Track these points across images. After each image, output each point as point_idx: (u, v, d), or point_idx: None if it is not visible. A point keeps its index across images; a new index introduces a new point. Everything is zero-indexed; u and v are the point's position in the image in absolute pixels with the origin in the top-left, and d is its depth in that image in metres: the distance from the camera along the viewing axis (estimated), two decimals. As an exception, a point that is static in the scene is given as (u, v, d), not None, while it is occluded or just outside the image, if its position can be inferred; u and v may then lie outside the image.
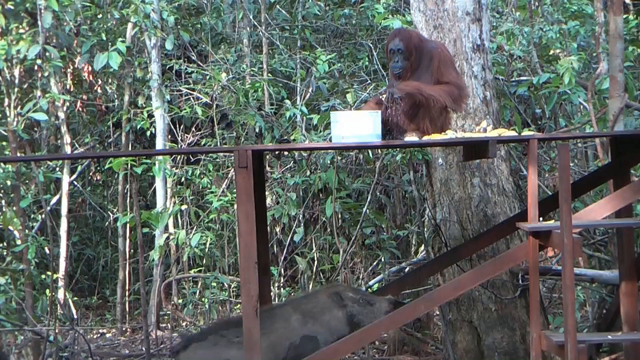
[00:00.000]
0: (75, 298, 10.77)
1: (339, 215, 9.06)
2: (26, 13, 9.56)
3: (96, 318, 11.00)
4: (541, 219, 6.04)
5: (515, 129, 7.98)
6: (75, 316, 9.92)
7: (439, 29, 7.33)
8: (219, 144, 9.60)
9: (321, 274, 9.62)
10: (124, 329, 10.34)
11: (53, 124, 10.63)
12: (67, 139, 9.95)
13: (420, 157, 7.61)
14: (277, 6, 10.79)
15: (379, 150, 8.46)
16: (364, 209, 8.73)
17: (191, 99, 9.69)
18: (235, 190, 6.39)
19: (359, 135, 5.78)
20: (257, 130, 9.29)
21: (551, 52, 9.65)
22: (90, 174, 12.00)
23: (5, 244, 10.23)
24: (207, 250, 9.23)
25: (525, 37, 9.20)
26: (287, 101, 9.24)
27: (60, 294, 9.67)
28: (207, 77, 9.57)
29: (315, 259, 9.52)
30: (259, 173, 6.46)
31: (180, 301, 10.16)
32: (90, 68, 9.80)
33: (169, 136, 10.08)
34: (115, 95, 10.80)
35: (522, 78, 9.07)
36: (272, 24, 10.41)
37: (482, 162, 7.23)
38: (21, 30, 9.48)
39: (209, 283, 9.31)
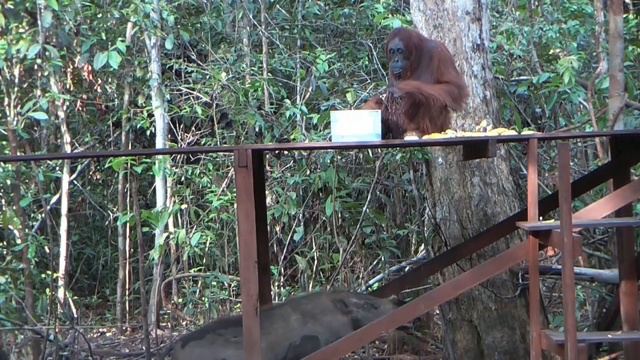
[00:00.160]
0: (75, 297, 10.77)
1: (339, 215, 9.07)
2: (26, 12, 9.56)
3: (96, 317, 11.01)
4: (541, 218, 6.04)
5: (515, 128, 7.99)
6: (75, 315, 9.93)
7: (439, 28, 7.33)
8: (218, 143, 9.60)
9: (321, 273, 9.63)
10: (124, 328, 10.35)
11: (53, 123, 10.63)
12: (67, 138, 9.96)
13: (420, 156, 7.62)
14: (277, 6, 10.79)
15: (379, 149, 8.47)
16: (364, 208, 8.73)
17: (191, 98, 9.70)
18: (235, 190, 6.40)
19: (358, 135, 5.78)
20: (257, 129, 9.30)
21: (551, 51, 9.65)
22: (90, 173, 12.01)
23: (5, 243, 10.23)
24: (207, 249, 9.23)
25: (525, 37, 9.21)
26: (287, 100, 9.24)
27: (60, 293, 9.68)
28: (207, 77, 9.57)
29: (315, 258, 9.52)
30: (258, 172, 6.46)
31: (180, 300, 10.17)
32: (90, 67, 9.80)
33: (169, 135, 10.08)
34: (115, 95, 10.81)
35: (522, 77, 9.07)
36: (272, 24, 10.41)
37: (482, 162, 7.23)
38: (21, 30, 9.49)
39: (209, 282, 9.31)
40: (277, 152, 8.96)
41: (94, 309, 11.42)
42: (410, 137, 6.03)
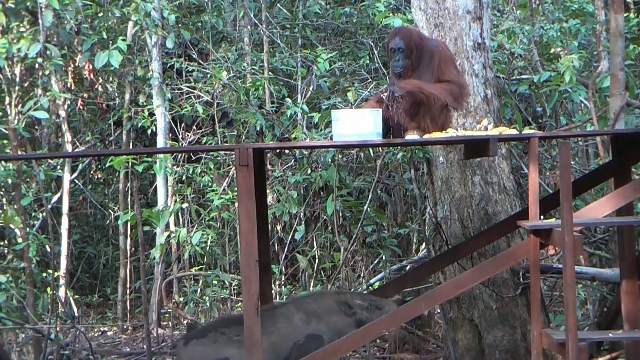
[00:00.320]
0: (76, 296, 10.78)
1: (340, 214, 9.07)
2: (27, 11, 9.55)
3: (97, 316, 11.02)
4: (542, 217, 6.04)
5: (516, 127, 7.99)
6: (76, 314, 9.94)
7: (440, 27, 7.33)
8: (219, 142, 9.60)
9: (322, 272, 9.63)
10: (125, 327, 10.35)
11: (54, 122, 10.64)
12: (68, 137, 9.96)
13: (421, 155, 7.62)
14: (278, 4, 10.80)
15: (380, 148, 8.47)
16: (365, 207, 8.73)
17: (192, 97, 9.70)
18: (236, 189, 6.40)
19: (359, 134, 5.78)
20: (257, 128, 9.30)
21: (552, 50, 9.65)
22: (91, 172, 12.01)
23: (6, 242, 10.24)
24: (208, 248, 9.23)
25: (526, 36, 9.20)
26: (288, 99, 9.24)
27: (61, 292, 9.68)
28: (208, 76, 9.58)
29: (316, 257, 9.53)
30: (259, 171, 6.46)
31: (181, 299, 10.18)
32: (91, 66, 9.81)
33: (170, 134, 10.09)
34: (116, 94, 10.81)
35: (523, 76, 9.07)
36: (273, 23, 10.41)
37: (483, 161, 7.23)
38: (22, 29, 9.48)
39: (209, 281, 9.32)
40: (278, 151, 8.97)
41: (95, 307, 11.43)
42: (411, 136, 6.03)
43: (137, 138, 10.84)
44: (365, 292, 8.38)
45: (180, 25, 10.06)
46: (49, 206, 9.78)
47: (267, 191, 8.08)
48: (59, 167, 10.26)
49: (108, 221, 11.82)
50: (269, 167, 9.35)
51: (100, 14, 9.95)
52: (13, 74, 9.47)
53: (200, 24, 10.80)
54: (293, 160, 9.17)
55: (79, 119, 11.46)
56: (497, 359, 7.11)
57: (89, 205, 11.97)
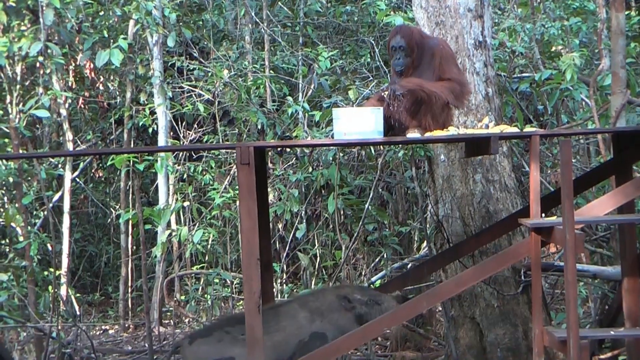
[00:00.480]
0: (78, 295, 10.78)
1: (341, 212, 9.07)
2: (28, 10, 9.56)
3: (99, 314, 11.02)
4: (543, 215, 6.04)
5: (517, 125, 7.98)
6: (77, 313, 9.94)
7: (441, 25, 7.33)
8: (221, 140, 9.61)
9: (323, 270, 9.63)
10: (126, 325, 10.36)
11: (55, 121, 10.64)
12: (69, 135, 9.96)
13: (423, 153, 7.62)
14: (279, 3, 10.80)
15: (381, 146, 8.47)
16: (366, 206, 8.73)
17: (193, 95, 9.71)
18: (237, 187, 6.40)
19: (361, 132, 5.78)
20: (259, 127, 9.31)
21: (553, 48, 9.65)
22: (93, 170, 12.01)
23: (7, 240, 10.25)
24: (209, 246, 9.24)
25: (527, 34, 9.20)
26: (289, 98, 9.24)
27: (63, 290, 9.69)
28: (209, 74, 9.58)
29: (318, 255, 9.53)
30: (261, 170, 6.47)
31: (182, 298, 10.19)
32: (92, 65, 9.81)
33: (171, 133, 10.09)
34: (117, 92, 10.81)
35: (524, 74, 9.07)
36: (274, 21, 10.41)
37: (484, 159, 7.23)
38: (23, 28, 9.49)
39: (211, 279, 9.32)
40: (279, 149, 8.97)
41: (96, 306, 11.43)
42: (413, 134, 6.03)
43: (138, 136, 10.85)
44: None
45: (181, 23, 10.06)
46: (50, 205, 9.78)
47: (269, 189, 8.08)
48: (60, 165, 10.26)
49: (109, 220, 11.82)
50: (270, 165, 9.35)
51: (102, 13, 9.96)
52: (14, 72, 9.47)
53: (201, 23, 10.80)
54: (294, 158, 9.17)
55: (80, 118, 11.47)
56: (499, 357, 7.11)
57: (90, 203, 11.96)
